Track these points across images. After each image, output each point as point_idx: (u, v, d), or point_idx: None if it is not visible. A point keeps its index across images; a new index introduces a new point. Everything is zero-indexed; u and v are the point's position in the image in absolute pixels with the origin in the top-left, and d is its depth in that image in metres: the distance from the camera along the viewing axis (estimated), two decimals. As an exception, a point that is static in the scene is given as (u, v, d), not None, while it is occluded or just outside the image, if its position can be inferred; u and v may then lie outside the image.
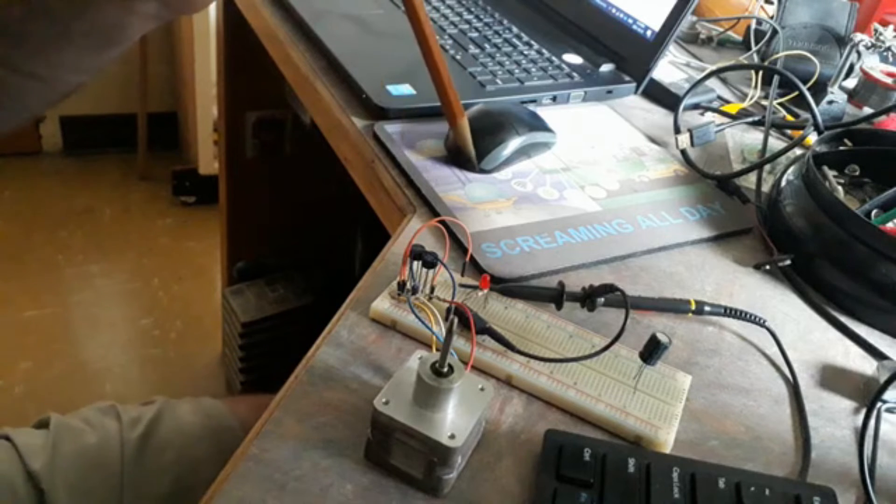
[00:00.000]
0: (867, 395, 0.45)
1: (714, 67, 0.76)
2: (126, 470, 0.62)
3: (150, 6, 0.37)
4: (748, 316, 0.48)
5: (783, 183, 0.58)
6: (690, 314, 0.48)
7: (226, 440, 0.67)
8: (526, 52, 0.75)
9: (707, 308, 0.48)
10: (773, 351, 0.47)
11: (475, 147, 0.57)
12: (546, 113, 0.64)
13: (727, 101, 0.79)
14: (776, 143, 0.71)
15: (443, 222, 0.50)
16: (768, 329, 0.48)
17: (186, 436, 0.66)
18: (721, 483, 0.35)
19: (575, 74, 0.73)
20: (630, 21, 0.75)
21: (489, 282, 0.45)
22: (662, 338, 0.39)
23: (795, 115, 0.76)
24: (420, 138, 0.59)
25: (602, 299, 0.45)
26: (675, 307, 0.48)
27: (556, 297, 0.45)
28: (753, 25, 0.91)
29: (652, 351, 0.40)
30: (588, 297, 0.45)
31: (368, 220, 0.66)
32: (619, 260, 0.52)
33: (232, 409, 0.71)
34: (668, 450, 0.38)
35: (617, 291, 0.43)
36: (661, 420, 0.39)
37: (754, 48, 0.87)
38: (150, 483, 0.63)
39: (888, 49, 0.85)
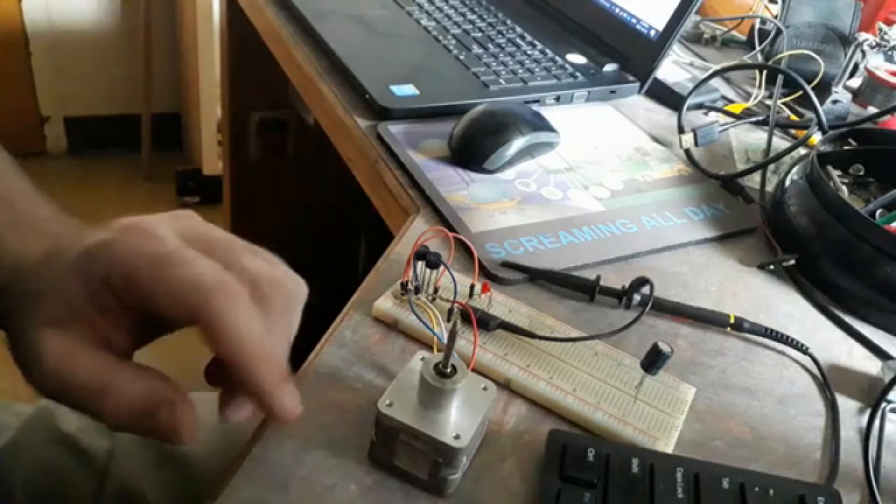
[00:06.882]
0: (872, 395, 0.44)
1: (718, 67, 0.76)
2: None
3: None
4: (789, 340, 0.47)
5: (787, 183, 0.58)
6: (729, 328, 0.47)
7: None
8: (529, 52, 0.75)
9: (746, 325, 0.47)
10: (775, 351, 0.47)
11: (479, 147, 0.57)
12: (549, 113, 0.64)
13: (731, 101, 0.79)
14: (780, 143, 0.70)
15: (446, 221, 0.50)
16: (811, 356, 0.46)
17: None
18: (725, 483, 0.35)
19: (578, 74, 0.73)
20: (634, 21, 0.75)
21: (490, 287, 0.45)
22: (664, 347, 0.38)
23: (800, 115, 0.76)
24: (423, 138, 0.59)
25: (638, 297, 0.45)
26: (714, 319, 0.47)
27: (589, 288, 0.46)
28: (757, 25, 0.91)
29: (653, 360, 0.39)
30: (626, 294, 0.46)
31: (372, 220, 0.66)
32: (623, 260, 0.52)
33: None
34: (671, 451, 0.38)
35: (649, 283, 0.45)
36: (660, 431, 0.38)
37: (758, 48, 0.87)
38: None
39: (893, 48, 0.85)
